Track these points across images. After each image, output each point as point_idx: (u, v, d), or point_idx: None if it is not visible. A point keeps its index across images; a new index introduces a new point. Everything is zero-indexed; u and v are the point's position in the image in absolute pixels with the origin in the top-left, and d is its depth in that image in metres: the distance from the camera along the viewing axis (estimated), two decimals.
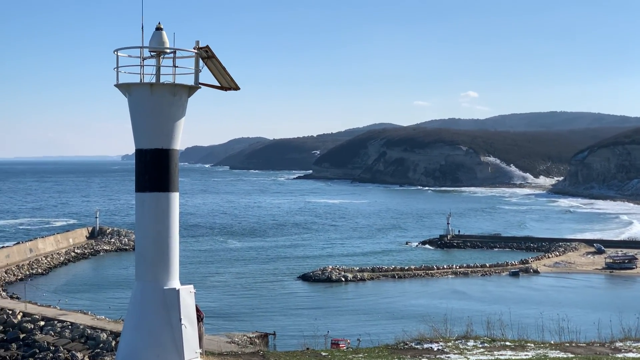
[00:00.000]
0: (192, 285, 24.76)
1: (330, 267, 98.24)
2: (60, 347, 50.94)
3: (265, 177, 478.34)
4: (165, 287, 24.16)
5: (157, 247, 24.33)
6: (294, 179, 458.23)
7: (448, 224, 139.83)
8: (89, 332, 53.01)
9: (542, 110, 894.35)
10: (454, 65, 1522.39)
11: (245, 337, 48.44)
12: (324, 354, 27.05)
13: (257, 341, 47.38)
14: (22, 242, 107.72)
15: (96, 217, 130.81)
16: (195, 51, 24.78)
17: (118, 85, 24.82)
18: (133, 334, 24.17)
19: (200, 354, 24.84)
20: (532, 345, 27.53)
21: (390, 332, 47.04)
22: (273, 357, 26.38)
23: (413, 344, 27.64)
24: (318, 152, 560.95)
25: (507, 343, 27.77)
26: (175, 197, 24.76)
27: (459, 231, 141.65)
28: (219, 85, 25.50)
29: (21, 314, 58.71)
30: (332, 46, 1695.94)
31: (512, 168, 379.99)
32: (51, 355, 49.73)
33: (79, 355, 48.77)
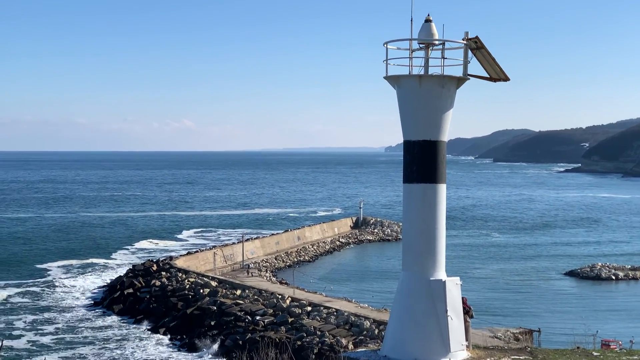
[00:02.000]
0: (458, 277, 24.92)
1: (600, 264, 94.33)
2: (326, 332, 52.93)
3: (530, 170, 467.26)
4: (431, 278, 24.52)
5: (424, 238, 24.74)
6: (561, 172, 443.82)
7: None
8: (353, 319, 54.66)
9: None
10: None
11: (508, 332, 47.71)
12: (595, 354, 26.26)
13: (521, 337, 46.52)
14: (290, 230, 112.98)
15: (360, 208, 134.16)
16: (465, 42, 24.86)
17: (387, 77, 25.47)
18: (399, 324, 24.74)
19: (467, 346, 24.94)
20: None
21: None
22: (541, 353, 25.98)
23: None
24: (587, 145, 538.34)
25: None
26: (443, 189, 25.03)
27: None
28: (488, 76, 25.40)
29: (290, 298, 61.64)
30: (607, 34, 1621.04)
31: None
32: (317, 339, 51.80)
33: (344, 341, 50.44)
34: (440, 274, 24.76)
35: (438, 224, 24.81)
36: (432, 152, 24.79)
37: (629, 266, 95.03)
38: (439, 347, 24.03)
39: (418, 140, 24.81)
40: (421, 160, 24.77)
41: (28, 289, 77.47)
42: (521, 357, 26.17)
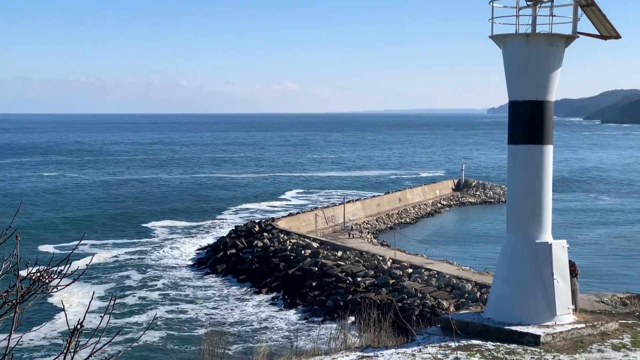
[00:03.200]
0: (564, 240, 24.54)
1: None
2: (427, 294, 52.93)
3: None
4: (537, 241, 24.23)
5: (529, 200, 24.43)
6: None
7: None
8: (455, 281, 54.43)
9: None
10: None
11: (615, 297, 46.74)
12: None
13: (629, 302, 45.55)
14: (392, 192, 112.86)
15: (462, 170, 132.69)
16: None
17: (492, 37, 25.08)
18: (503, 286, 24.60)
19: (573, 310, 24.62)
20: None
21: None
22: None
23: None
24: None
25: None
26: (549, 150, 24.61)
27: None
28: (599, 34, 24.70)
29: (391, 260, 61.80)
30: None
31: None
32: (418, 301, 51.88)
33: (445, 303, 50.35)
34: (546, 236, 24.44)
35: (544, 185, 24.43)
36: (538, 112, 24.36)
37: None
38: (544, 310, 23.81)
39: (524, 100, 24.42)
40: (527, 121, 24.38)
41: (136, 248, 79.97)
42: (629, 322, 25.70)
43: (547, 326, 23.65)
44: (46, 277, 7.38)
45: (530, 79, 24.20)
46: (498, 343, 23.21)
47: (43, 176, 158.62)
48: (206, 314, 54.59)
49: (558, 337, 23.23)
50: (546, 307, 23.70)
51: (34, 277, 7.26)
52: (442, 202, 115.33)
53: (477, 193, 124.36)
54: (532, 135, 24.32)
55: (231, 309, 56.20)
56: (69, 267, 7.53)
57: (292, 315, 55.03)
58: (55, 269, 7.49)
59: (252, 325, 52.24)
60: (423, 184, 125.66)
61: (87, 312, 7.20)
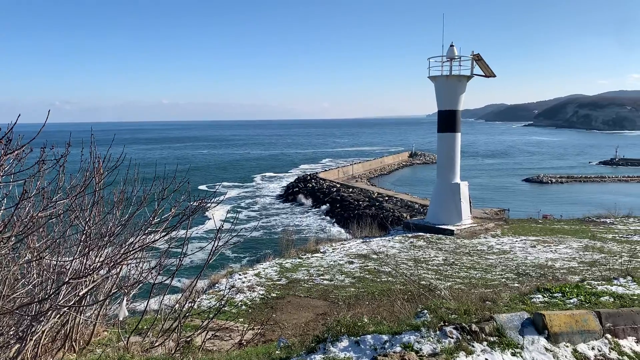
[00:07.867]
0: (466, 182, 24.25)
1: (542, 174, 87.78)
2: (395, 210, 52.37)
3: (501, 126, 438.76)
4: (452, 182, 24.00)
5: (448, 161, 24.14)
6: (521, 126, 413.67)
7: None
8: (410, 203, 54.14)
9: None
10: None
11: (492, 210, 46.15)
12: (540, 220, 25.17)
13: (499, 213, 45.04)
14: (376, 158, 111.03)
15: (413, 146, 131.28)
16: (471, 57, 23.66)
17: (429, 77, 24.58)
18: (435, 205, 24.44)
19: (470, 216, 24.36)
20: None
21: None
22: (509, 222, 25.12)
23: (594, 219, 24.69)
24: (536, 111, 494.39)
25: None
26: (458, 136, 24.27)
27: None
28: (484, 74, 24.14)
29: (377, 193, 61.07)
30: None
31: None
32: (391, 214, 51.27)
33: (405, 214, 49.84)
34: (457, 179, 24.23)
35: (456, 153, 24.16)
36: (453, 116, 23.97)
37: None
38: (456, 217, 23.64)
39: (446, 109, 24.00)
40: (447, 120, 24.04)
41: (245, 188, 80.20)
42: (499, 223, 25.35)
43: (457, 225, 23.54)
44: (203, 202, 7.52)
45: (449, 99, 23.77)
46: (432, 233, 23.17)
47: (194, 153, 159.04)
48: (282, 223, 54.71)
49: (463, 231, 23.14)
50: (456, 215, 23.57)
51: (197, 202, 7.40)
52: (403, 163, 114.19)
53: (421, 158, 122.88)
54: (449, 127, 23.96)
55: (297, 219, 56.30)
56: (214, 197, 7.66)
57: (328, 221, 55.11)
58: (208, 198, 7.63)
59: (309, 227, 52.38)
60: (392, 154, 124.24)
61: (224, 220, 7.32)
